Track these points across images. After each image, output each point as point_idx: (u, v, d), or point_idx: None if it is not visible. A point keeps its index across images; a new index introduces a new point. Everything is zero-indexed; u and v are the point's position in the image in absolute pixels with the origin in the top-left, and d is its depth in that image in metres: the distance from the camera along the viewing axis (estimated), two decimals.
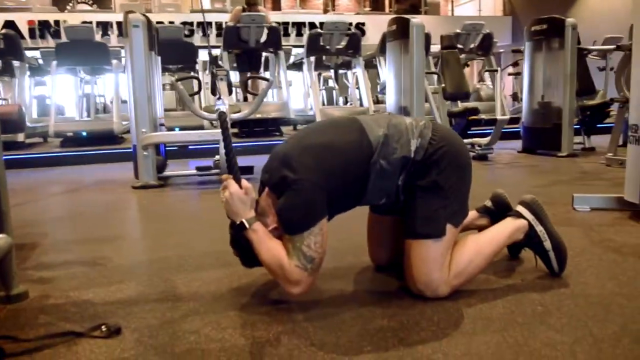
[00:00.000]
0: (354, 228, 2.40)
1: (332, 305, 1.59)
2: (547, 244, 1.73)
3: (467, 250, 1.63)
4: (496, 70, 5.47)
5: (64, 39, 10.36)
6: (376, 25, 12.60)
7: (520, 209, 1.79)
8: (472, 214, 1.97)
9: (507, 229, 1.74)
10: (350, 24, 6.93)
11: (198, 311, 1.57)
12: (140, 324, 1.49)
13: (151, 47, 3.95)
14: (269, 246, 1.51)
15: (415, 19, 4.68)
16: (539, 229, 1.74)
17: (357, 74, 7.47)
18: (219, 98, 1.82)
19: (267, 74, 7.48)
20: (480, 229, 1.94)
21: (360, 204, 1.69)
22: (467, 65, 8.53)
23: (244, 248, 1.57)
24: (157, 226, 2.75)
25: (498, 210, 1.93)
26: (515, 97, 8.48)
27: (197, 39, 11.31)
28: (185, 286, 1.80)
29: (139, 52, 3.78)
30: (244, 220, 1.52)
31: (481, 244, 1.67)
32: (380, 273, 1.87)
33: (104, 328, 1.44)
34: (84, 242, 2.44)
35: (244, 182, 1.58)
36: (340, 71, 9.62)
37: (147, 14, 4.27)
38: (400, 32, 4.78)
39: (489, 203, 1.97)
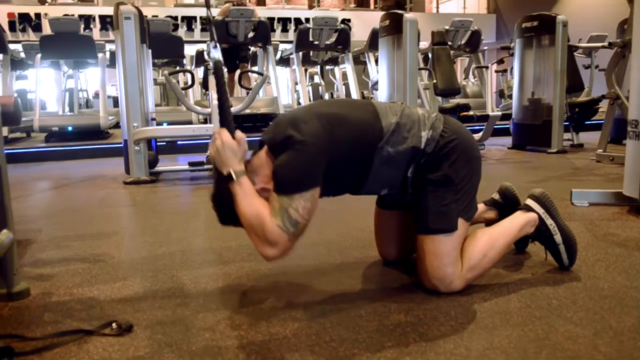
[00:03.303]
0: (355, 222, 2.40)
1: (345, 301, 1.57)
2: (558, 238, 1.73)
3: (481, 244, 1.62)
4: (487, 67, 5.50)
5: (45, 32, 10.19)
6: (362, 22, 12.63)
7: (530, 202, 1.78)
8: (480, 207, 1.96)
9: (518, 222, 1.73)
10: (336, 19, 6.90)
11: (209, 308, 1.54)
12: (151, 321, 1.45)
13: (143, 39, 3.88)
14: (253, 202, 1.44)
15: (408, 14, 4.67)
16: (550, 222, 1.74)
17: (346, 69, 7.45)
18: (215, 47, 1.72)
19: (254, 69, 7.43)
20: (488, 222, 1.94)
21: (360, 191, 1.65)
22: (454, 62, 8.57)
23: (225, 203, 1.50)
24: (154, 222, 2.70)
25: (506, 204, 1.93)
26: (502, 94, 8.53)
27: (181, 34, 11.19)
28: (193, 282, 1.76)
29: (131, 45, 3.71)
30: (231, 171, 1.46)
31: (494, 238, 1.66)
32: (389, 268, 1.85)
33: (114, 325, 1.41)
34: (81, 238, 2.38)
35: (237, 133, 1.51)
36: (327, 67, 9.62)
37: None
38: (393, 27, 4.77)
39: (496, 196, 1.97)
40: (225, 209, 1.51)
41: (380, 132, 1.55)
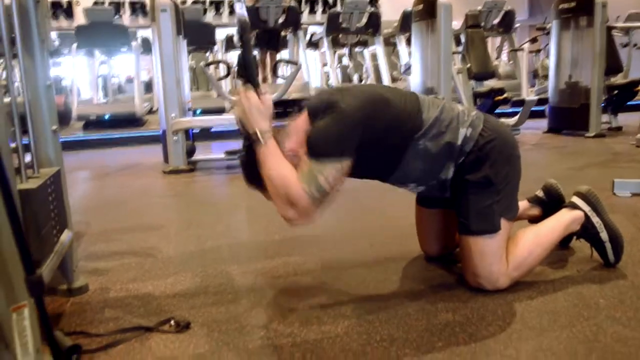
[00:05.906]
0: (395, 215, 2.41)
1: (392, 298, 1.60)
2: (604, 235, 1.73)
3: (527, 243, 1.63)
4: (522, 49, 5.39)
5: (77, 19, 10.32)
6: (389, 1, 12.40)
7: (576, 199, 1.78)
8: (523, 204, 1.97)
9: (564, 220, 1.74)
10: None
11: (261, 304, 1.59)
12: (207, 319, 1.51)
13: (178, 31, 3.93)
14: (278, 162, 1.43)
15: None
16: (596, 220, 1.74)
17: (377, 52, 7.39)
18: (241, 4, 1.69)
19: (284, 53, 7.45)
20: (532, 219, 1.94)
21: (387, 179, 1.66)
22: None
23: (251, 162, 1.47)
24: (198, 214, 2.77)
25: (550, 201, 1.93)
26: (536, 74, 8.34)
27: (209, 18, 11.18)
28: (242, 278, 1.82)
29: (167, 37, 3.76)
30: (257, 130, 1.43)
31: (540, 236, 1.67)
32: (432, 263, 1.88)
33: (172, 322, 1.47)
34: (130, 231, 2.46)
35: (264, 94, 1.48)
36: (357, 49, 9.53)
37: None
38: (426, 12, 4.71)
39: (540, 193, 1.97)
40: (252, 169, 1.49)
41: (420, 124, 1.55)
